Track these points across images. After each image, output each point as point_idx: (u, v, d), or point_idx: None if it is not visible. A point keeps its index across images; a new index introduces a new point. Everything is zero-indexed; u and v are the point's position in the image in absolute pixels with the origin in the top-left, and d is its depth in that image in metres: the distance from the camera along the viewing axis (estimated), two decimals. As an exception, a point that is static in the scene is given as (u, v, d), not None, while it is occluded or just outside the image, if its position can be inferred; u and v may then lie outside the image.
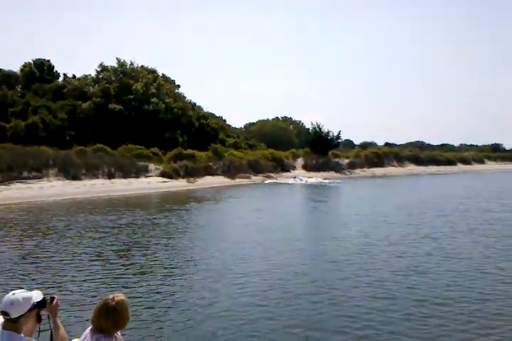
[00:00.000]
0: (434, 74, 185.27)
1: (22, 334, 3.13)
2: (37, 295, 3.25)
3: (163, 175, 40.56)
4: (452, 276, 11.32)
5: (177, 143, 50.89)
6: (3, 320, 3.12)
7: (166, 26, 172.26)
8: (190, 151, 46.47)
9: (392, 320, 8.46)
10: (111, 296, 3.20)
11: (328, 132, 65.47)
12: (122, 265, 12.43)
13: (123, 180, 36.57)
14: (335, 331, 8.01)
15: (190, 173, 42.88)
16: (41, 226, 18.55)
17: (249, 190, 38.86)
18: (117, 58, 56.64)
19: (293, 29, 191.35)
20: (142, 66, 58.24)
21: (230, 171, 47.31)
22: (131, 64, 56.97)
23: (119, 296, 3.21)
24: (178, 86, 63.18)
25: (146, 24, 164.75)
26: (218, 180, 43.84)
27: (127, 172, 38.21)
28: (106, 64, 56.59)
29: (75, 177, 34.23)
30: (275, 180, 48.20)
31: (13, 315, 3.06)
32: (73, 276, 11.24)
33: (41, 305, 3.26)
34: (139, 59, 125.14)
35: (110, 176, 36.63)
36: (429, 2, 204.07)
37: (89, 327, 3.22)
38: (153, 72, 58.59)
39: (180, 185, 39.22)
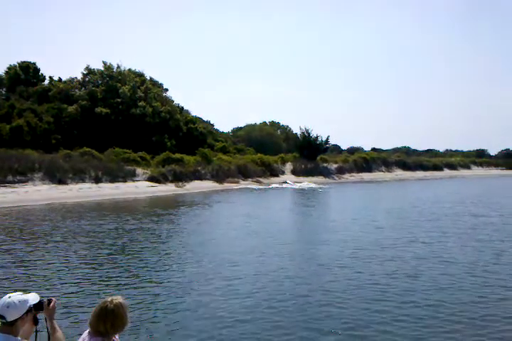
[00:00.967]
0: (420, 81, 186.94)
1: (19, 337, 3.10)
2: (33, 298, 3.22)
3: (151, 179, 39.95)
4: (444, 279, 11.27)
5: (165, 147, 50.34)
6: None
7: (154, 29, 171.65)
8: (178, 155, 45.93)
9: (383, 320, 8.47)
10: (109, 299, 3.17)
11: (317, 137, 65.53)
12: (109, 270, 11.94)
13: (110, 185, 35.93)
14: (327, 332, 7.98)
15: (179, 178, 42.36)
16: (26, 231, 17.95)
17: (239, 194, 38.45)
18: (104, 61, 55.98)
19: (282, 33, 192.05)
20: (129, 69, 57.64)
21: (219, 176, 46.88)
22: (118, 67, 56.29)
23: (118, 299, 3.19)
24: (166, 89, 62.68)
25: (133, 28, 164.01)
26: (207, 185, 43.36)
27: (115, 177, 37.55)
28: (92, 67, 55.90)
29: (61, 182, 33.52)
30: (265, 186, 47.84)
31: (9, 318, 3.04)
32: (60, 280, 10.83)
33: (38, 307, 3.22)
34: (126, 62, 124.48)
35: (97, 180, 35.96)
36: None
37: (87, 330, 3.19)
38: (140, 75, 58.03)
39: (168, 189, 38.67)
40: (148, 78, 59.28)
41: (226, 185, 45.11)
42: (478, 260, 13.40)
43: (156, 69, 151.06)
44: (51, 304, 3.30)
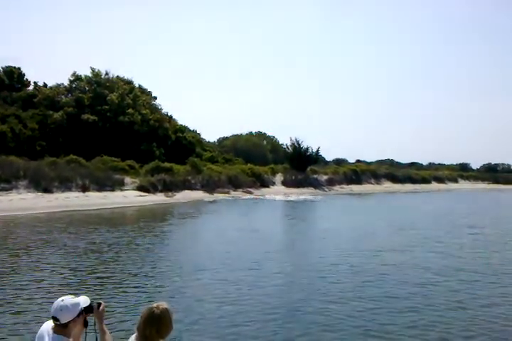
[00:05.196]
0: (399, 95, 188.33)
1: (71, 339, 3.20)
2: (84, 301, 3.31)
3: (140, 188, 38.59)
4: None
5: (153, 156, 49.01)
6: (53, 324, 3.22)
7: (142, 37, 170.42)
8: (167, 164, 44.64)
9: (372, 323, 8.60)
10: (155, 305, 3.18)
11: (308, 148, 64.78)
12: (94, 283, 10.72)
13: (98, 194, 34.49)
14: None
15: (168, 187, 41.08)
16: (10, 241, 16.60)
17: (230, 205, 37.31)
18: (91, 67, 54.61)
19: (269, 42, 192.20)
20: (118, 76, 56.33)
21: (209, 186, 45.69)
22: (107, 74, 54.98)
23: (163, 305, 3.20)
24: (155, 97, 61.44)
25: (122, 34, 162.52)
26: (197, 195, 42.11)
27: (102, 186, 36.11)
28: (80, 73, 54.47)
29: (47, 190, 31.99)
30: (257, 196, 46.72)
31: (63, 320, 3.17)
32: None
33: (88, 310, 3.30)
34: (115, 69, 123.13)
35: (84, 189, 34.47)
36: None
37: (134, 335, 3.21)
38: (129, 82, 56.73)
39: (158, 199, 37.35)
40: (137, 86, 58.02)
41: (216, 196, 43.93)
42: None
43: (144, 77, 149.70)
44: (101, 307, 3.37)
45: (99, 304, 3.38)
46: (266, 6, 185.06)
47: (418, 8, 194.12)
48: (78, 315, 3.23)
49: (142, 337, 3.15)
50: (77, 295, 3.42)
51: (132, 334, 3.25)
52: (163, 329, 3.15)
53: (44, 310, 8.87)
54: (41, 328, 3.30)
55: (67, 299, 3.24)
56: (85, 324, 3.32)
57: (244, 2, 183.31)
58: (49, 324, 3.27)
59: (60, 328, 3.19)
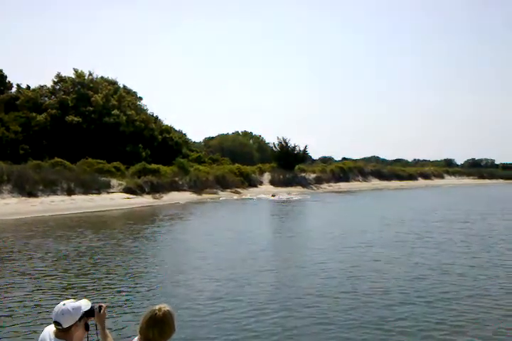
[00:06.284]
0: (389, 91, 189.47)
1: None
2: (86, 304, 3.28)
3: (126, 191, 38.07)
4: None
5: (139, 157, 48.41)
6: (54, 328, 3.18)
7: (126, 37, 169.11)
8: (154, 166, 44.12)
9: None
10: (157, 307, 3.15)
11: (295, 146, 64.63)
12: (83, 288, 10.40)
13: (84, 197, 33.94)
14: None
15: (156, 189, 40.62)
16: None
17: (219, 206, 37.00)
18: (75, 69, 53.75)
19: (257, 41, 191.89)
20: (102, 77, 55.55)
21: (197, 186, 45.32)
22: (90, 74, 54.17)
23: (166, 307, 3.16)
24: (141, 98, 60.69)
25: (106, 35, 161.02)
26: (185, 196, 41.70)
27: (88, 188, 35.53)
28: (63, 74, 53.60)
29: (31, 194, 31.37)
30: (247, 196, 46.41)
31: (65, 324, 3.13)
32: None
33: (89, 314, 3.27)
34: (99, 70, 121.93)
35: (70, 192, 33.89)
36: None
37: (136, 337, 3.20)
38: (113, 83, 55.97)
39: (145, 201, 36.92)
40: (121, 86, 57.29)
41: (205, 196, 43.57)
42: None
43: (129, 77, 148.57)
44: (102, 310, 3.33)
45: (100, 307, 3.35)
46: (253, 4, 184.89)
47: (418, 8, 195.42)
48: (80, 319, 3.20)
49: (145, 339, 3.14)
50: (77, 298, 3.40)
51: (135, 336, 3.21)
52: (165, 331, 3.13)
53: (31, 315, 8.55)
54: (43, 333, 3.27)
55: (69, 303, 3.20)
56: (87, 328, 3.29)
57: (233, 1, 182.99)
58: (50, 328, 3.24)
59: (62, 332, 3.16)
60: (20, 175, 31.93)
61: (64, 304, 3.18)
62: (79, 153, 43.42)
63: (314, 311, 9.37)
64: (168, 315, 3.14)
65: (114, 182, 38.48)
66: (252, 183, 54.49)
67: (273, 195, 46.89)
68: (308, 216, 31.84)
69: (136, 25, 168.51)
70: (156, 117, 60.44)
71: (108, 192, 36.77)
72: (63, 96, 50.69)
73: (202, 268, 13.57)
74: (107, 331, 3.42)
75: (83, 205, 31.36)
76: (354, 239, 18.86)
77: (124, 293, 10.71)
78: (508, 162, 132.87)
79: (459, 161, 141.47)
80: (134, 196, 37.50)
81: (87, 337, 3.32)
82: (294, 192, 51.55)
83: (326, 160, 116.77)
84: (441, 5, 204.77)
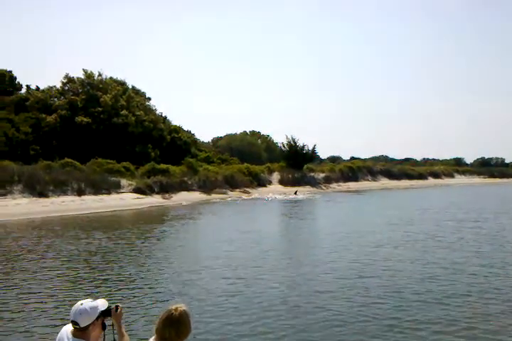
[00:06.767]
0: (395, 92, 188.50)
1: None
2: (102, 304, 3.30)
3: (136, 191, 38.18)
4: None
5: (149, 157, 48.55)
6: (72, 328, 3.20)
7: (133, 38, 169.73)
8: (163, 166, 44.21)
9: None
10: (174, 307, 3.15)
11: (304, 146, 64.48)
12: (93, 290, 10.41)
13: (94, 197, 34.07)
14: None
15: (165, 189, 40.72)
16: (8, 249, 16.21)
17: (228, 206, 36.98)
18: (84, 69, 54.01)
19: (259, 42, 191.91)
20: (111, 78, 55.76)
21: (206, 186, 45.35)
22: (99, 75, 54.38)
23: (182, 307, 3.17)
24: (149, 98, 60.86)
25: (114, 35, 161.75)
26: (195, 196, 41.76)
27: (98, 189, 35.67)
28: (72, 75, 53.86)
29: (42, 194, 31.55)
30: (256, 197, 46.31)
31: (82, 324, 3.15)
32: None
33: (106, 313, 3.30)
34: (107, 71, 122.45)
35: (80, 193, 34.05)
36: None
37: (153, 337, 3.19)
38: (122, 83, 56.15)
39: (155, 201, 36.99)
40: (130, 87, 57.48)
41: (214, 196, 43.57)
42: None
43: (138, 78, 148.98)
44: (118, 310, 3.37)
45: (117, 307, 3.39)
46: (257, 5, 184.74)
47: (418, 7, 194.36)
48: (97, 319, 3.23)
49: (161, 339, 3.15)
50: (94, 298, 3.43)
51: (151, 337, 3.21)
52: (182, 331, 3.14)
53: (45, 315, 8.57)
54: (60, 332, 3.29)
55: (86, 302, 3.23)
56: (103, 327, 3.32)
57: (234, 2, 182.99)
58: (68, 328, 3.27)
59: (80, 332, 3.19)
60: (30, 175, 32.13)
61: (81, 304, 3.20)
62: (88, 153, 43.61)
63: (325, 311, 9.34)
64: (185, 314, 3.15)
65: (123, 182, 38.60)
66: (261, 183, 54.45)
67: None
68: (320, 216, 31.70)
69: (146, 25, 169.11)
70: (165, 117, 60.63)
71: (118, 193, 36.89)
72: (72, 97, 50.94)
73: (214, 267, 13.52)
74: (124, 330, 3.44)
75: (93, 205, 31.49)
76: (366, 239, 18.79)
77: (136, 293, 10.70)
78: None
79: (469, 160, 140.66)
80: (144, 196, 37.60)
81: (104, 336, 3.36)
82: (302, 192, 51.43)
83: (334, 159, 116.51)
84: (443, 6, 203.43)
